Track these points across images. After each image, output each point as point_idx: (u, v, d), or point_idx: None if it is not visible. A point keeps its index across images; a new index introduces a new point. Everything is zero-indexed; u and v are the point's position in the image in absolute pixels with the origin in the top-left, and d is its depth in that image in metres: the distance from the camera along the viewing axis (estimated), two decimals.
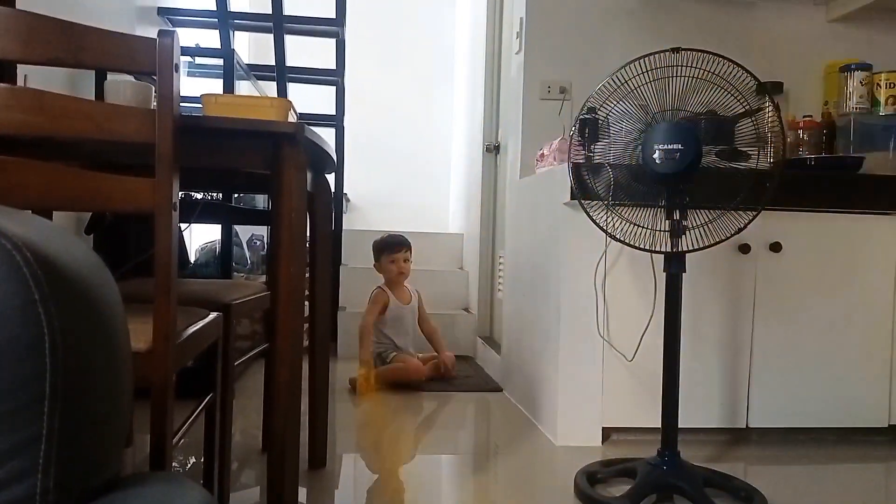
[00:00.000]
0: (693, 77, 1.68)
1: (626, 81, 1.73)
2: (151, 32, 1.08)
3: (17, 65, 1.81)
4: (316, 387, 1.95)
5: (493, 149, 3.71)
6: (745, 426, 2.27)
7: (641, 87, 1.73)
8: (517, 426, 2.46)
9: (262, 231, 4.06)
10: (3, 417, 0.53)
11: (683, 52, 1.68)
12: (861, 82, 2.50)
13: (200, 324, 1.33)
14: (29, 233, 0.58)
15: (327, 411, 1.98)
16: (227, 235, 3.06)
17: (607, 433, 2.24)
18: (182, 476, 0.66)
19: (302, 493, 1.75)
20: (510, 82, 3.19)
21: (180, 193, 1.16)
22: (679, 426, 1.79)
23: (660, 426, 1.79)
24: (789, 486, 1.93)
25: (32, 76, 1.92)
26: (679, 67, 1.69)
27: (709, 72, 1.67)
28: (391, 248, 3.23)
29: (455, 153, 5.08)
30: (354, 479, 1.94)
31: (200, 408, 1.44)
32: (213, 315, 1.43)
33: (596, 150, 1.83)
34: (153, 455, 1.12)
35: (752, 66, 1.68)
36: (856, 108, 2.50)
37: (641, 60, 1.72)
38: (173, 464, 1.84)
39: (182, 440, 1.28)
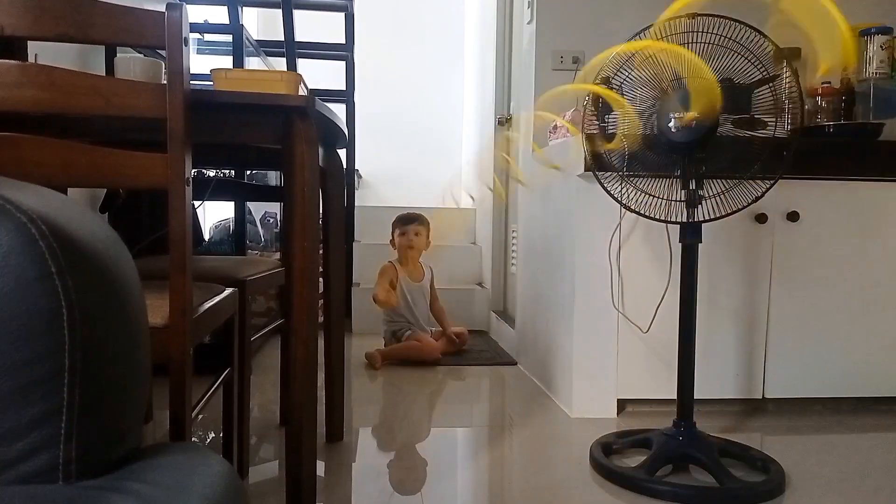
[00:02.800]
0: (709, 43, 1.65)
1: (638, 50, 1.70)
2: (160, 9, 1.07)
3: (27, 43, 1.80)
4: (332, 362, 1.96)
5: (505, 121, 3.68)
6: (761, 396, 2.26)
7: (654, 56, 1.69)
8: (532, 399, 2.46)
9: (275, 209, 4.07)
10: (23, 389, 0.53)
11: (699, 17, 1.65)
12: (881, 46, 2.44)
13: (216, 299, 1.34)
14: (44, 206, 0.57)
15: (343, 386, 2.00)
16: (241, 213, 3.07)
17: (622, 405, 2.24)
18: (202, 446, 0.66)
19: (320, 467, 1.77)
20: (522, 53, 3.15)
21: (193, 171, 1.15)
22: (695, 397, 1.78)
23: (675, 397, 1.79)
24: (806, 455, 1.93)
25: (42, 54, 1.92)
26: (695, 34, 1.66)
27: (726, 37, 1.64)
28: (402, 222, 3.24)
29: (466, 127, 5.05)
30: (371, 453, 1.96)
31: (218, 382, 1.46)
32: (228, 290, 1.44)
33: (610, 121, 1.81)
34: (173, 428, 1.13)
35: (768, 30, 1.64)
36: (876, 74, 2.44)
37: (655, 28, 1.69)
38: (193, 438, 1.86)
39: (201, 415, 1.30)
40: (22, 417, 0.54)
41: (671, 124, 1.64)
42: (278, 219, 4.05)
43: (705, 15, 1.64)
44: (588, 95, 1.82)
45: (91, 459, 0.57)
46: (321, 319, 1.76)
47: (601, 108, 1.82)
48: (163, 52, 1.10)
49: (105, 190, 2.44)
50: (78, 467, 0.56)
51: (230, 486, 0.62)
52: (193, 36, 3.20)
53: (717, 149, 1.67)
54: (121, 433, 0.61)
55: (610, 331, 2.20)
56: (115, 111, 1.08)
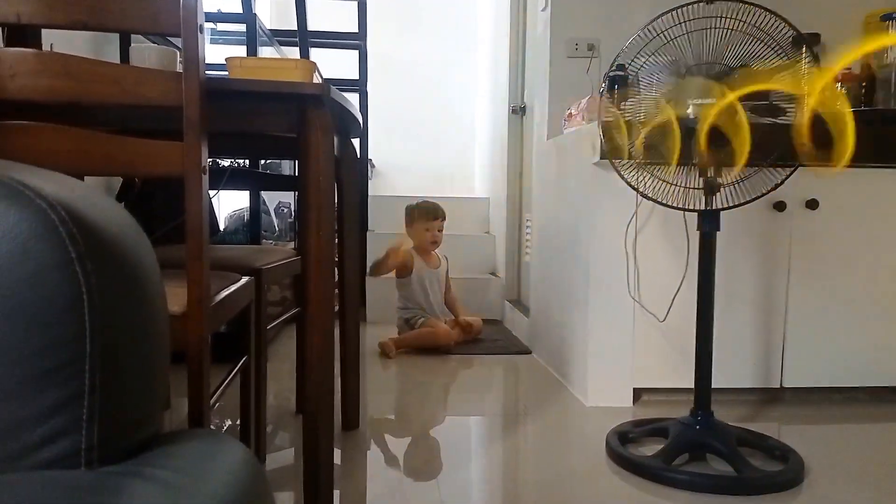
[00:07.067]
0: (728, 28, 1.63)
1: (657, 35, 1.68)
2: None
3: (42, 32, 1.80)
4: (347, 350, 1.96)
5: (518, 110, 3.66)
6: (779, 386, 2.25)
7: (673, 41, 1.67)
8: (547, 388, 2.46)
9: (290, 198, 4.08)
10: (45, 375, 0.54)
11: (717, 2, 1.63)
12: None
13: (233, 287, 1.34)
14: (63, 192, 0.57)
15: (359, 374, 2.00)
16: (256, 202, 3.07)
17: (638, 394, 2.23)
18: (222, 433, 0.66)
19: (336, 455, 1.77)
20: (536, 41, 3.12)
21: (208, 160, 1.15)
22: (712, 386, 1.77)
23: (692, 386, 1.78)
24: (824, 445, 1.91)
25: (57, 44, 1.92)
26: (713, 19, 1.63)
27: (744, 22, 1.61)
28: (430, 215, 3.21)
29: (480, 116, 5.02)
30: (387, 441, 1.97)
31: (236, 370, 1.46)
32: (244, 279, 1.44)
33: (626, 108, 1.79)
34: (191, 416, 1.13)
35: (787, 16, 1.62)
36: None
37: (674, 13, 1.66)
38: (210, 426, 1.87)
39: (218, 403, 1.30)
40: (43, 403, 0.54)
41: (689, 111, 1.62)
42: (292, 208, 4.06)
43: (724, 0, 1.62)
44: (604, 82, 1.81)
45: (112, 445, 0.57)
46: (336, 308, 1.76)
47: (617, 94, 1.80)
48: (177, 41, 1.10)
49: (121, 179, 2.45)
50: (99, 453, 0.56)
51: (251, 472, 0.62)
52: (207, 25, 3.21)
53: None
54: (141, 419, 0.61)
55: (626, 319, 2.18)
56: (131, 100, 1.08)
